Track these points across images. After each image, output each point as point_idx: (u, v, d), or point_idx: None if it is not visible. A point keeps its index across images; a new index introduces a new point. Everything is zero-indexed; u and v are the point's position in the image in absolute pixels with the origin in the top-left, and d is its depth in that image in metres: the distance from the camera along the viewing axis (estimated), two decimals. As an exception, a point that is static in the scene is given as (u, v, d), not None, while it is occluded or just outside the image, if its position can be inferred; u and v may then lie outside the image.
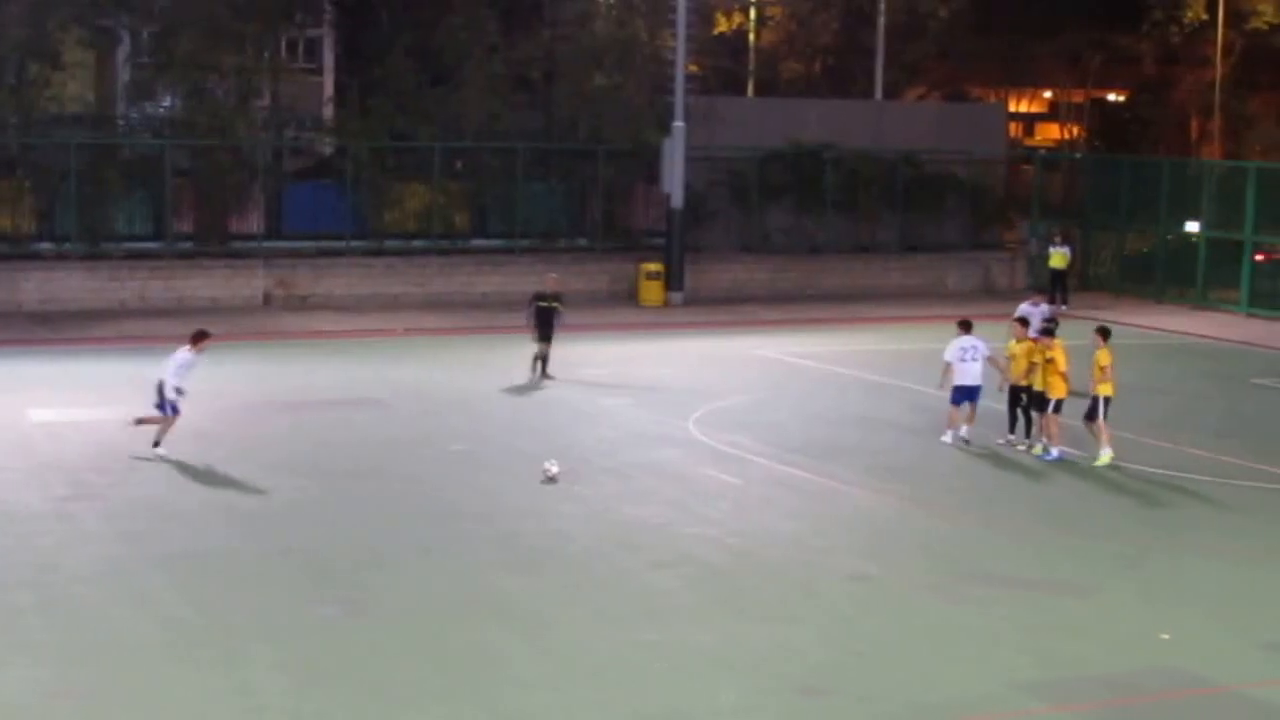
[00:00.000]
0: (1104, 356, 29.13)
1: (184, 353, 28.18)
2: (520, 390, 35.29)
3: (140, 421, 28.26)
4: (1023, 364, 29.82)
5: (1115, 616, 20.54)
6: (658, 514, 24.94)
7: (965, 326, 30.90)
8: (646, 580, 21.65)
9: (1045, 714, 17.43)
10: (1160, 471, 28.61)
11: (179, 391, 27.95)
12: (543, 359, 36.37)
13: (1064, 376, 29.27)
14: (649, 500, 25.83)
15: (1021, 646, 19.25)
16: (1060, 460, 29.01)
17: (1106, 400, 29.00)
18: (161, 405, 27.95)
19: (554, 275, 39.23)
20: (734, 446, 29.70)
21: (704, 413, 32.70)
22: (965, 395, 30.41)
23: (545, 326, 36.42)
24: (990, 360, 30.56)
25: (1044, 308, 35.32)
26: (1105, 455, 28.91)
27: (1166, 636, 19.71)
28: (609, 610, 20.35)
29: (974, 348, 30.45)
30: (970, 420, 30.52)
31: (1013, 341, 30.53)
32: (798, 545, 23.44)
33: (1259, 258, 51.30)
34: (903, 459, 29.39)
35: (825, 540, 23.81)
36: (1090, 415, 29.12)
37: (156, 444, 27.82)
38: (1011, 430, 30.41)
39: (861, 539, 23.94)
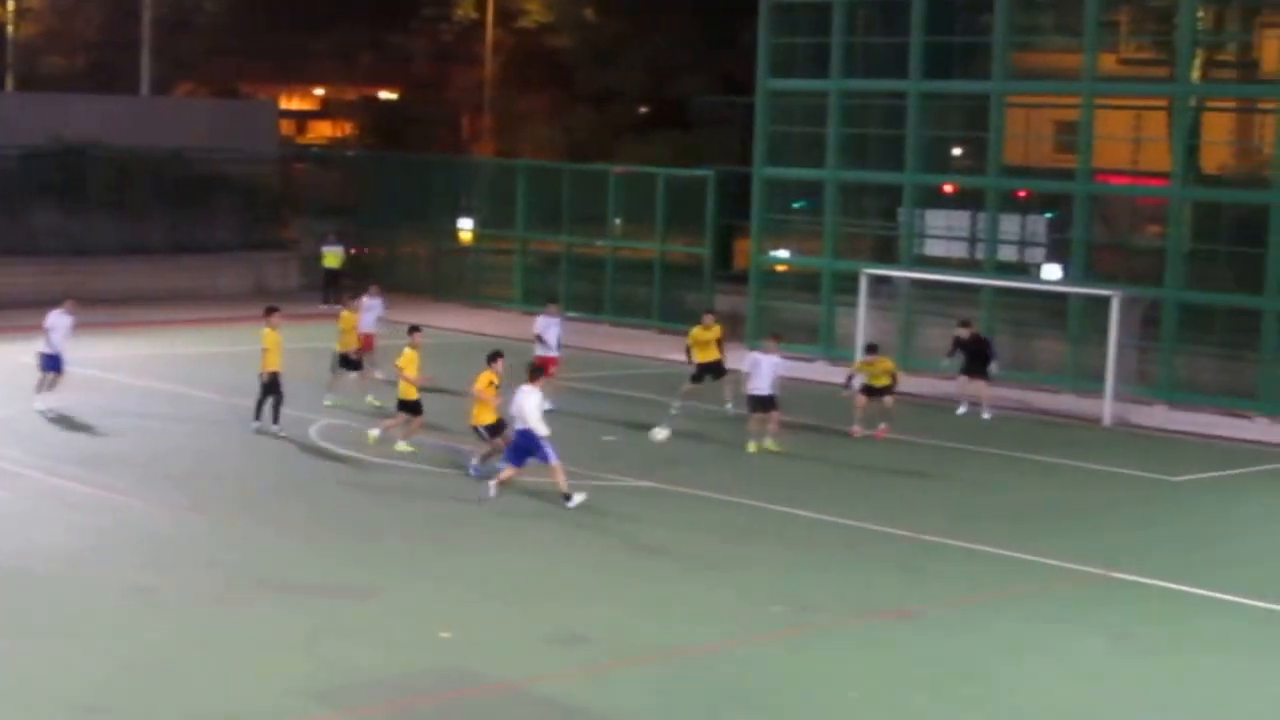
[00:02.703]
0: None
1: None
2: None
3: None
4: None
5: (398, 618, 20.60)
6: (-82, 534, 23.65)
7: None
8: (-93, 606, 20.45)
9: (326, 721, 17.29)
10: (435, 469, 29.04)
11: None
12: None
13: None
14: (-93, 519, 24.46)
15: (304, 653, 19.06)
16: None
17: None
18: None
19: None
20: (-1, 459, 28.53)
21: (-34, 424, 31.28)
22: (50, 364, 33.23)
23: None
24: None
25: (379, 301, 36.29)
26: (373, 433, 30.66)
27: (447, 635, 19.88)
28: None
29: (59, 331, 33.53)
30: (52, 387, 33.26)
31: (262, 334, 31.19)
32: (71, 560, 22.62)
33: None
34: (179, 465, 28.86)
35: (101, 553, 23.11)
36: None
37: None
38: (257, 417, 31.20)
39: (140, 550, 23.31)
